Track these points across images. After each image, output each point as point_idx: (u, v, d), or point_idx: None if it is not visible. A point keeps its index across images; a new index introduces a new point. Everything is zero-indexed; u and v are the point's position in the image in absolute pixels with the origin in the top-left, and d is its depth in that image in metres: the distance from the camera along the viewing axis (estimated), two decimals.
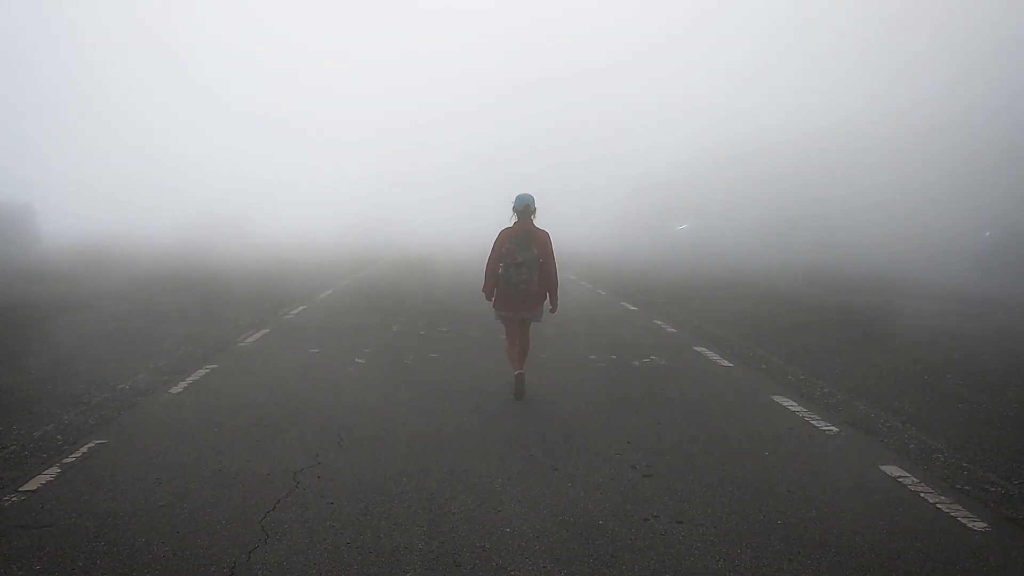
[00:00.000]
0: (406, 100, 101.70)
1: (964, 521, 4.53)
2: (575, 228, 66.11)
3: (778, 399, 7.47)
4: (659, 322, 12.94)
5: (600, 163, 71.87)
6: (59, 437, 6.03)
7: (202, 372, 8.40)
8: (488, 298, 8.07)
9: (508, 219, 7.81)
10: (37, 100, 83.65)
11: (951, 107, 31.70)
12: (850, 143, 35.92)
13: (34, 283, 18.40)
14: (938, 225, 28.38)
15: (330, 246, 42.25)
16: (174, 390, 7.59)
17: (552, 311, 8.11)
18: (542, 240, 7.75)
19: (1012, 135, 28.18)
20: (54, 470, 5.22)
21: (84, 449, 5.66)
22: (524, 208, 7.76)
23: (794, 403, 7.31)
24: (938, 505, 4.78)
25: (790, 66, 49.44)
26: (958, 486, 5.15)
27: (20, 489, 4.88)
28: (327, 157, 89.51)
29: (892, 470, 5.40)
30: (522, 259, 7.64)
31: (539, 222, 7.83)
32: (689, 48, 69.31)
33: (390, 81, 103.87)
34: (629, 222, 58.24)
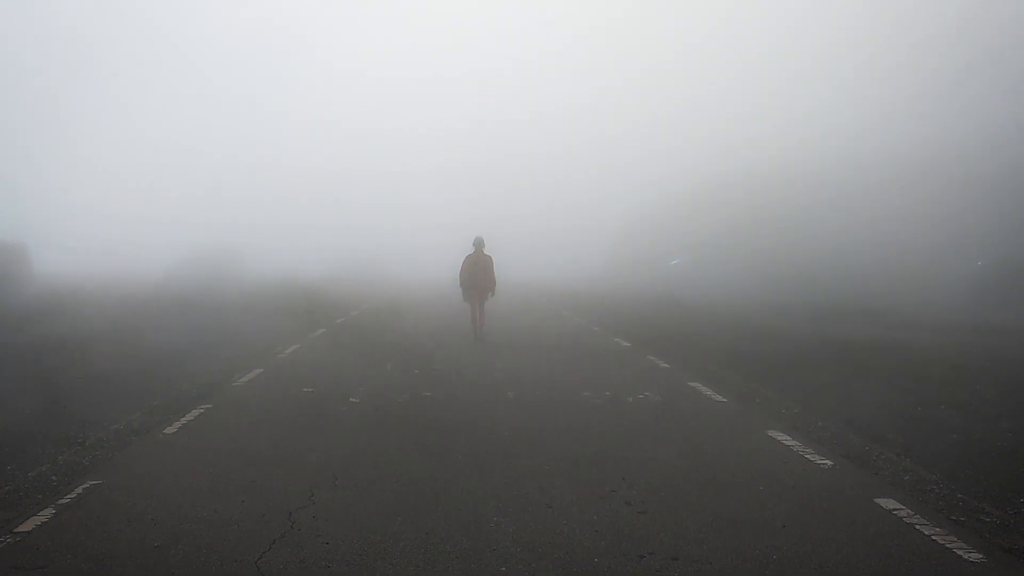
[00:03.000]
0: (401, 142, 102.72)
1: (960, 552, 4.54)
2: (569, 265, 66.40)
3: (772, 433, 7.49)
4: (653, 357, 12.97)
5: (593, 201, 72.47)
6: (54, 477, 6.02)
7: (196, 412, 8.39)
8: (462, 287, 15.45)
9: (470, 249, 15.46)
10: (32, 134, 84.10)
11: (942, 137, 32.06)
12: (840, 175, 36.23)
13: (27, 322, 18.37)
14: (929, 255, 28.56)
15: (323, 285, 42.25)
16: (168, 430, 7.57)
17: (491, 295, 15.50)
18: (487, 260, 15.30)
19: (1004, 165, 28.49)
20: (49, 511, 5.21)
21: (79, 490, 5.64)
22: (478, 244, 15.37)
23: (788, 437, 7.32)
24: (933, 537, 4.79)
25: (779, 99, 50.03)
26: (953, 517, 5.17)
27: (15, 530, 4.86)
28: (322, 198, 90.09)
29: (887, 503, 5.42)
30: (476, 270, 15.17)
31: (494, 251, 15.25)
32: (680, 83, 70.17)
33: (386, 125, 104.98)
34: (622, 257, 58.48)
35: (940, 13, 36.31)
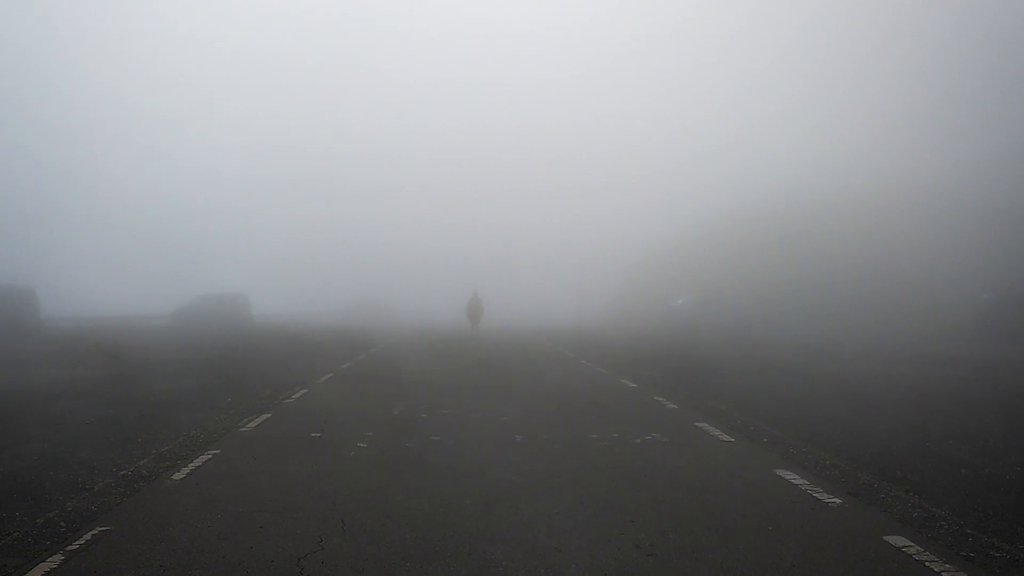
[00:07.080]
0: (408, 188, 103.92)
1: None
2: (574, 307, 66.37)
3: (781, 472, 7.47)
4: (660, 398, 12.95)
5: (598, 244, 72.99)
6: (62, 524, 6.03)
7: (204, 458, 8.39)
8: (466, 313, 36.39)
9: (470, 294, 36.41)
10: (37, 180, 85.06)
11: (947, 171, 32.23)
12: (845, 210, 36.39)
13: (34, 367, 18.43)
14: (935, 288, 28.58)
15: (330, 328, 42.29)
16: (176, 476, 7.58)
17: (482, 316, 35.65)
18: (479, 301, 35.87)
19: (1008, 198, 28.61)
20: (58, 558, 5.21)
21: (87, 536, 5.65)
22: (474, 292, 36.23)
23: (797, 476, 7.31)
24: (943, 574, 4.77)
25: (781, 134, 50.45)
26: (963, 553, 5.15)
27: None
28: (328, 242, 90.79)
29: (896, 540, 5.40)
30: (473, 304, 35.82)
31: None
32: (681, 121, 71.00)
33: (392, 168, 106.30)
34: (627, 298, 58.58)
35: (945, 42, 36.75)
